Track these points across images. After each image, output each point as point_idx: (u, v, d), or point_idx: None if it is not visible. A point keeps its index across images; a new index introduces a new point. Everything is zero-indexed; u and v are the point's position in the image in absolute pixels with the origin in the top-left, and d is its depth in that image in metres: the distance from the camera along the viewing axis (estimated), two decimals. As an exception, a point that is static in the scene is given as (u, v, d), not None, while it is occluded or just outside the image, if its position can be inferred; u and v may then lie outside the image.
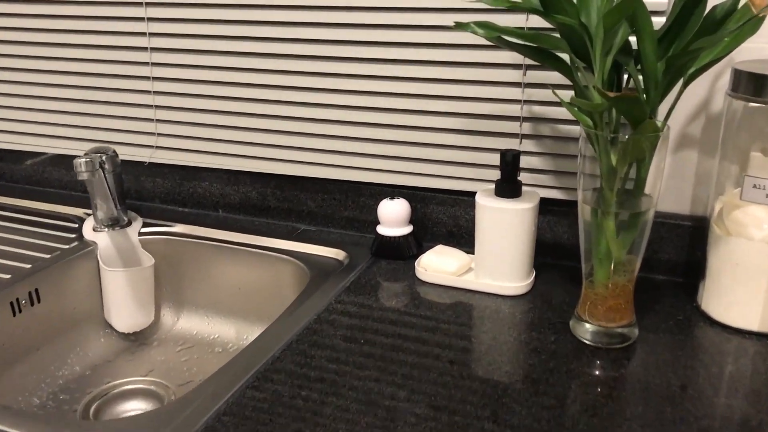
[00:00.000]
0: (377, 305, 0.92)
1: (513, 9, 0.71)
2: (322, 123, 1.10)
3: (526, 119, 0.98)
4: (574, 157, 0.98)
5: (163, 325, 1.19)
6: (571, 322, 0.86)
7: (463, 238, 1.08)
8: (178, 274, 1.18)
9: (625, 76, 0.80)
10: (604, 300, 0.82)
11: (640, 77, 0.75)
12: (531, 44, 0.74)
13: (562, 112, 0.96)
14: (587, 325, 0.84)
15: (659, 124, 0.75)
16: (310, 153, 1.13)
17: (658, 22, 0.80)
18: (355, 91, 1.06)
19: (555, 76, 0.94)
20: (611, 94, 0.68)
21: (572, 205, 1.01)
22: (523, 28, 0.92)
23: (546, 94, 0.96)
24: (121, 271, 1.11)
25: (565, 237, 1.02)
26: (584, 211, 0.82)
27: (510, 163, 0.91)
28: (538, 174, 1.00)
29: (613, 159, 0.77)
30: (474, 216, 1.03)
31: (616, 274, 0.81)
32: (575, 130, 0.96)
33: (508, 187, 0.92)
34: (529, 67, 0.96)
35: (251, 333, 1.14)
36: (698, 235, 0.95)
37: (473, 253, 0.99)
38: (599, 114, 0.74)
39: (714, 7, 0.75)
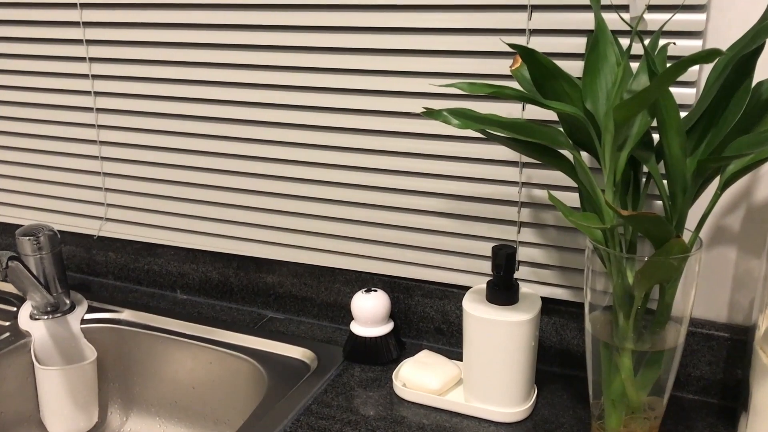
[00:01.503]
0: (344, 431, 0.76)
1: (496, 96, 0.55)
2: (291, 199, 0.94)
3: (525, 204, 0.82)
4: (583, 251, 0.81)
5: (109, 427, 1.03)
6: (578, 473, 0.69)
7: (454, 337, 0.92)
8: (126, 368, 1.02)
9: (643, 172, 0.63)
10: (619, 453, 0.65)
11: (664, 180, 0.58)
12: (521, 138, 0.57)
13: (567, 198, 0.79)
14: (598, 480, 0.66)
15: (688, 240, 0.58)
16: (277, 232, 0.97)
17: (685, 94, 0.63)
18: (330, 164, 0.90)
19: (560, 155, 0.77)
20: (625, 213, 0.51)
21: (581, 306, 0.83)
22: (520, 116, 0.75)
23: (548, 176, 0.79)
24: (57, 370, 0.95)
25: (574, 343, 0.85)
26: (591, 337, 0.65)
27: (504, 264, 0.74)
28: (540, 269, 0.83)
29: (630, 277, 0.60)
30: None
31: (634, 421, 0.63)
32: (585, 218, 0.79)
33: (502, 292, 0.76)
34: (528, 142, 0.79)
35: (208, 441, 0.98)
36: (737, 348, 0.77)
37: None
38: (612, 231, 0.57)
39: (760, 84, 0.58)
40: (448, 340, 0.92)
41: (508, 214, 0.82)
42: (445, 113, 0.58)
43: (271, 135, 0.92)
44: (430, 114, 0.59)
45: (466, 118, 0.58)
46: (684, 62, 0.48)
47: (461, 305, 0.88)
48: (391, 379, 0.85)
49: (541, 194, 0.80)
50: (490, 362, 0.76)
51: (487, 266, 0.86)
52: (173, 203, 1.02)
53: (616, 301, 0.60)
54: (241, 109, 0.92)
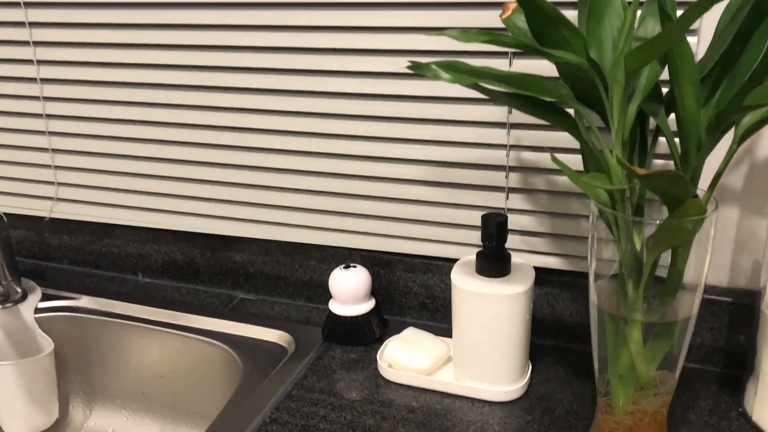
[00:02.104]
0: (328, 418, 0.70)
1: (493, 43, 0.48)
2: (260, 171, 0.87)
3: (513, 169, 0.76)
4: (576, 217, 0.76)
5: (71, 423, 0.96)
6: (582, 453, 0.65)
7: (439, 312, 0.86)
8: (86, 359, 0.95)
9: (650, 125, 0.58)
10: (627, 431, 0.60)
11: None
12: (521, 92, 0.51)
13: (565, 160, 0.74)
14: (605, 461, 0.62)
15: (704, 200, 0.53)
16: (245, 207, 0.90)
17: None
18: (300, 132, 0.83)
19: (550, 114, 0.72)
20: (642, 172, 0.46)
21: (575, 275, 0.79)
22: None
23: (538, 137, 0.74)
24: (10, 364, 0.87)
25: (568, 314, 0.80)
26: (596, 309, 0.60)
27: (495, 233, 0.69)
28: (530, 237, 0.78)
29: (638, 243, 0.55)
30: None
31: (644, 398, 0.59)
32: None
33: (494, 263, 0.70)
34: (516, 101, 0.73)
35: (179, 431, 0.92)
36: (740, 313, 0.73)
37: (452, 334, 0.77)
38: (620, 191, 0.52)
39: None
40: (433, 316, 0.87)
41: (495, 179, 0.77)
42: (434, 67, 0.52)
43: (236, 101, 0.84)
44: (417, 68, 0.52)
45: (458, 71, 0.52)
46: (707, 1, 0.43)
47: (447, 279, 0.83)
48: (375, 359, 0.80)
49: (530, 157, 0.75)
50: (483, 338, 0.71)
51: (474, 236, 0.80)
52: (131, 179, 0.94)
53: (624, 269, 0.55)
54: (204, 74, 0.85)
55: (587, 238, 0.76)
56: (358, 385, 0.76)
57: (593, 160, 0.56)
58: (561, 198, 0.75)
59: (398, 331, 0.82)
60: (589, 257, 0.59)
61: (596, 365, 0.62)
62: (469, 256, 0.75)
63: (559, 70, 0.55)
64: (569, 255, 0.77)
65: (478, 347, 0.72)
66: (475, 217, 0.79)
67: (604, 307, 0.58)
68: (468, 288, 0.70)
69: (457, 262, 0.74)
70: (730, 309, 0.74)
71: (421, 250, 0.83)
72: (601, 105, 0.53)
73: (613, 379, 0.60)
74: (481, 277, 0.71)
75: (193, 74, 0.85)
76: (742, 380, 0.72)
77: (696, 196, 0.49)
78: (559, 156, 0.73)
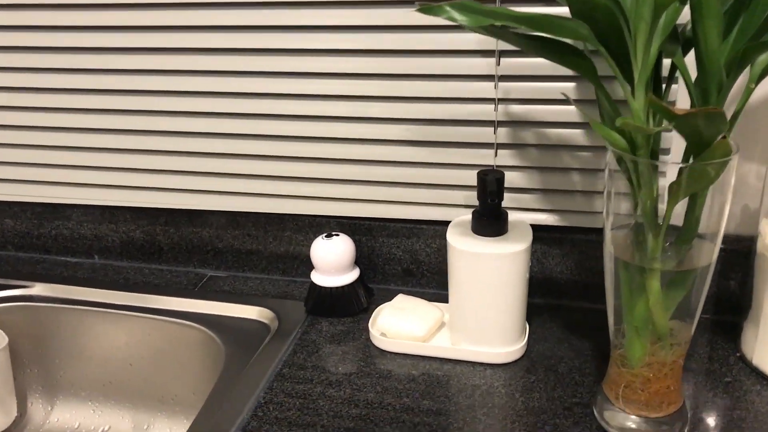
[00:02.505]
0: (326, 394, 0.67)
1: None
2: (225, 138, 0.81)
3: (501, 123, 0.73)
4: (566, 170, 0.74)
5: (32, 421, 0.89)
6: (597, 409, 0.63)
7: (425, 277, 0.83)
8: (45, 351, 0.88)
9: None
10: (645, 383, 0.59)
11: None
12: (538, 33, 0.48)
13: (549, 113, 0.71)
14: (621, 416, 0.61)
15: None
16: (210, 178, 0.84)
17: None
18: (271, 94, 0.78)
19: (538, 64, 0.69)
20: (681, 111, 0.43)
21: (565, 230, 0.77)
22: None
23: (527, 89, 0.71)
24: (-41, 362, 0.80)
25: (558, 271, 0.79)
26: (613, 260, 0.58)
27: (495, 191, 0.66)
28: (520, 194, 0.76)
29: (654, 191, 0.53)
30: (438, 247, 0.79)
31: (661, 349, 0.58)
32: (567, 135, 0.72)
33: (491, 222, 0.68)
34: (503, 53, 0.70)
35: (153, 422, 0.86)
36: (731, 259, 0.73)
37: (442, 298, 0.75)
38: (647, 136, 0.50)
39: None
40: (418, 281, 0.84)
41: (483, 136, 0.74)
42: (447, 8, 0.48)
43: (194, 63, 0.78)
44: (428, 10, 0.48)
45: (473, 12, 0.48)
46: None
47: (433, 242, 0.80)
48: (364, 330, 0.76)
49: (520, 111, 0.72)
50: (482, 300, 0.68)
51: (461, 196, 0.77)
52: (79, 154, 0.87)
53: (644, 218, 0.53)
54: (158, 35, 0.78)
55: (578, 192, 0.75)
56: (351, 357, 0.73)
57: (609, 107, 0.53)
58: (551, 151, 0.73)
59: (384, 300, 0.79)
60: (605, 210, 0.57)
61: (611, 319, 0.60)
62: (463, 216, 0.72)
63: (572, 11, 0.52)
64: (560, 210, 0.76)
65: (477, 309, 0.69)
66: (463, 177, 0.76)
67: (621, 257, 0.57)
68: (466, 249, 0.67)
69: (451, 223, 0.71)
70: (722, 255, 0.73)
71: (404, 213, 0.80)
72: (619, 45, 0.50)
73: (629, 332, 0.58)
74: (478, 236, 0.68)
75: (144, 35, 0.78)
76: (736, 326, 0.72)
77: (725, 136, 0.48)
78: (551, 108, 0.71)
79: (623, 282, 0.58)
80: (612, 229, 0.58)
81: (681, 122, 0.45)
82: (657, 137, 0.54)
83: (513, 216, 0.70)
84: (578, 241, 0.77)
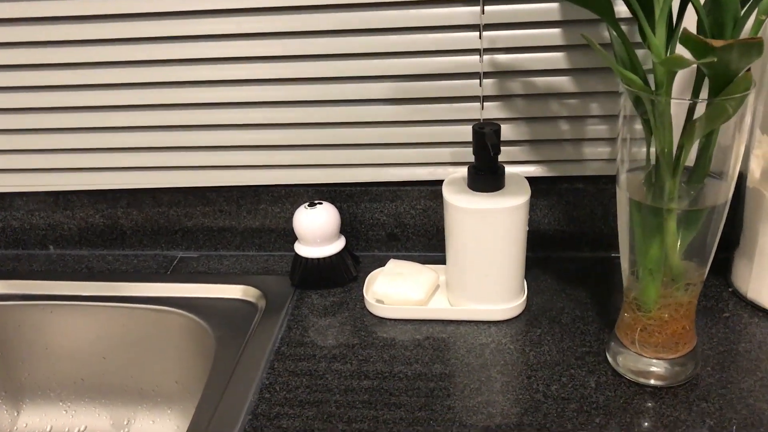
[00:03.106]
0: (333, 368, 0.64)
1: None
2: (188, 108, 0.76)
3: (487, 75, 0.71)
4: (554, 119, 0.72)
5: (-3, 429, 0.82)
6: (611, 354, 0.63)
7: (410, 240, 0.81)
8: (5, 352, 0.81)
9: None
10: (662, 325, 0.59)
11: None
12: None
13: (537, 60, 0.70)
14: (637, 360, 0.60)
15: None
16: (172, 153, 0.79)
17: None
18: (236, 57, 0.73)
19: (523, 11, 0.67)
20: (719, 43, 0.42)
21: (550, 181, 0.76)
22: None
23: (513, 38, 0.69)
24: None
25: (545, 222, 0.78)
26: (627, 202, 0.57)
27: (496, 143, 0.63)
28: (508, 146, 0.74)
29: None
30: (423, 208, 0.77)
31: (677, 290, 0.57)
32: (555, 83, 0.70)
33: (489, 177, 0.66)
34: (487, 0, 0.68)
35: (133, 416, 0.81)
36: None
37: (429, 261, 0.73)
38: (670, 75, 0.49)
39: None
40: (404, 245, 0.81)
41: (468, 89, 0.72)
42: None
43: (153, 28, 0.72)
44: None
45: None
46: None
47: (418, 204, 0.78)
48: (358, 299, 0.74)
49: (506, 60, 0.70)
50: (483, 257, 0.67)
51: (448, 154, 0.75)
52: (24, 137, 0.79)
53: (663, 159, 0.52)
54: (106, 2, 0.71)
55: (566, 140, 0.74)
56: (350, 328, 0.70)
57: (623, 49, 0.52)
58: (539, 101, 0.72)
59: (370, 267, 0.77)
60: (619, 155, 0.56)
61: (624, 263, 0.60)
62: (456, 174, 0.70)
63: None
64: (548, 161, 0.74)
65: (478, 267, 0.67)
66: (448, 133, 0.74)
67: (635, 198, 0.56)
68: (466, 206, 0.65)
69: (445, 181, 0.69)
70: (707, 194, 0.74)
71: (387, 176, 0.77)
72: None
73: (643, 275, 0.58)
74: (476, 193, 0.66)
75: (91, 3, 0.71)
76: (725, 261, 0.73)
77: (749, 68, 0.47)
78: (538, 56, 0.69)
79: (636, 225, 0.57)
80: (628, 171, 0.57)
81: (720, 53, 0.44)
82: (672, 76, 0.53)
83: (511, 172, 0.68)
84: (564, 191, 0.76)
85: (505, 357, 0.65)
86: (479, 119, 0.73)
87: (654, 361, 0.60)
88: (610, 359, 0.63)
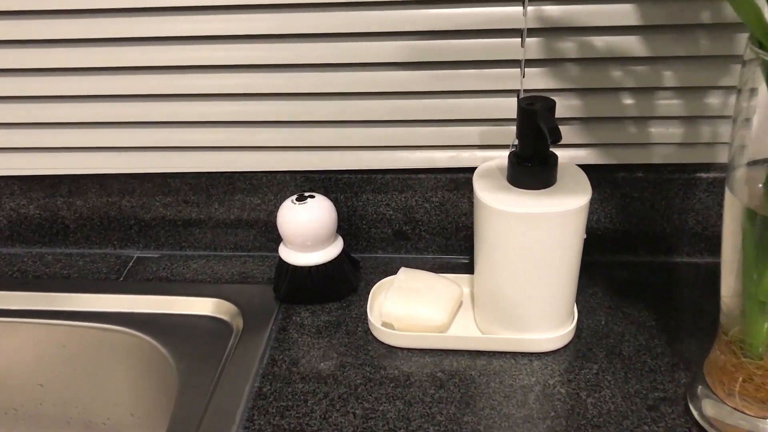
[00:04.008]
0: (330, 419, 0.48)
1: None
2: (144, 72, 0.59)
3: (532, 32, 0.54)
4: (614, 92, 0.56)
5: None
6: (696, 406, 0.48)
7: (423, 240, 0.65)
8: None
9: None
10: (776, 377, 0.44)
11: None
12: None
13: (595, 14, 0.53)
14: (736, 418, 0.46)
15: None
16: (127, 130, 0.62)
17: None
18: (205, 6, 0.55)
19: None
20: None
21: (603, 169, 0.60)
22: None
23: (567, -17, 0.52)
24: None
25: (594, 219, 0.63)
26: (739, 210, 0.42)
27: (553, 127, 0.47)
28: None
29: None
30: (440, 201, 0.62)
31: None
32: (616, 44, 0.54)
33: (537, 170, 0.50)
34: (533, -67, 0.51)
35: (82, 455, 0.66)
36: None
37: (445, 265, 0.59)
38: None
39: None
40: (414, 246, 0.66)
41: (506, 50, 0.55)
42: None
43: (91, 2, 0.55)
44: None
45: None
46: None
47: (433, 196, 0.62)
48: (360, 319, 0.58)
49: (556, 13, 0.53)
50: (526, 274, 0.51)
51: (475, 134, 0.59)
52: (-64, 109, 0.62)
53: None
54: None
55: (630, 119, 0.57)
56: (352, 360, 0.54)
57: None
58: (596, 67, 0.55)
59: (373, 275, 0.62)
60: (732, 138, 0.40)
61: (726, 288, 0.45)
62: (489, 162, 0.54)
63: None
64: (604, 144, 0.58)
65: (518, 286, 0.52)
66: (478, 108, 0.57)
67: (752, 206, 0.40)
68: (506, 208, 0.49)
69: (477, 172, 0.53)
70: None
71: (397, 161, 0.61)
72: None
73: (751, 308, 0.43)
74: (519, 190, 0.50)
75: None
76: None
77: None
78: (598, 8, 0.53)
79: (749, 242, 0.42)
80: (730, 171, 0.41)
81: None
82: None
83: (563, 160, 0.52)
84: (621, 181, 0.61)
85: (555, 406, 0.49)
86: (519, 90, 0.56)
87: (760, 422, 0.45)
88: (695, 412, 0.48)
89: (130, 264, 0.67)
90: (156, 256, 0.68)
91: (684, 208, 0.61)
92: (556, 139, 0.45)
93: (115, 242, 0.69)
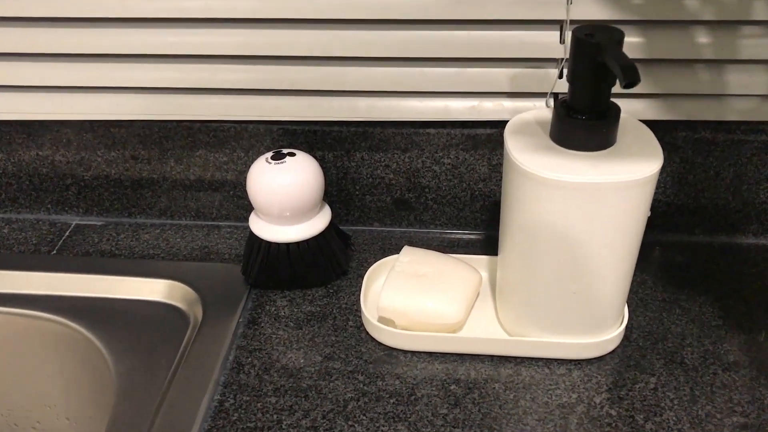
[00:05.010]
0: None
1: None
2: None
3: (584, -57, 0.41)
4: (686, 25, 0.43)
5: None
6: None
7: (429, 211, 0.53)
8: None
9: None
10: None
11: None
12: None
13: None
14: None
15: None
16: (61, 65, 0.49)
17: None
18: None
19: None
20: None
21: (667, 126, 0.48)
22: None
23: None
24: None
25: (660, 191, 0.50)
26: None
27: (627, 66, 0.33)
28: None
29: None
30: (453, 163, 0.50)
31: None
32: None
33: (594, 126, 0.37)
34: None
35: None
36: None
37: (455, 244, 0.46)
38: None
39: None
40: (419, 217, 0.53)
41: (548, -34, 0.42)
42: None
43: None
44: None
45: None
46: None
47: (444, 156, 0.50)
48: (348, 310, 0.46)
49: None
50: (571, 261, 0.39)
51: (505, 78, 0.46)
52: None
53: None
54: None
55: (705, 62, 0.45)
56: (340, 365, 0.42)
57: None
58: (666, -6, 0.42)
59: (368, 254, 0.50)
60: None
61: None
62: (525, 113, 0.41)
63: None
64: (668, 94, 0.46)
65: (560, 277, 0.40)
66: (507, 43, 0.45)
67: None
68: (550, 176, 0.36)
69: (510, 127, 0.40)
70: None
71: (400, 111, 0.48)
72: None
73: None
74: (568, 150, 0.38)
75: None
76: None
77: None
78: None
79: None
80: None
81: None
82: None
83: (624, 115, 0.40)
84: (681, 143, 0.49)
85: (604, 433, 0.38)
86: (563, 21, 0.43)
87: None
88: (790, 448, 0.37)
89: (67, 233, 0.55)
90: (99, 224, 0.56)
91: (757, 177, 0.49)
92: (633, 80, 0.32)
93: (49, 206, 0.56)
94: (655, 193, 0.50)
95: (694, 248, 0.51)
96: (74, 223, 0.56)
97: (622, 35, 0.35)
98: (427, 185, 0.52)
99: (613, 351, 0.43)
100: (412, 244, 0.51)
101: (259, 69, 0.47)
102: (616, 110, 0.38)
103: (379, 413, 0.39)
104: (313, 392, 0.41)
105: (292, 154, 0.46)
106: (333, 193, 0.52)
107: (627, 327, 0.44)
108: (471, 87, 0.46)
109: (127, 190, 0.54)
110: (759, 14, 0.42)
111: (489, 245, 0.51)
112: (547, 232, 0.38)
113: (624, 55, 0.34)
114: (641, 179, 0.36)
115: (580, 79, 0.36)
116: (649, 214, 0.39)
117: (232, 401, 0.40)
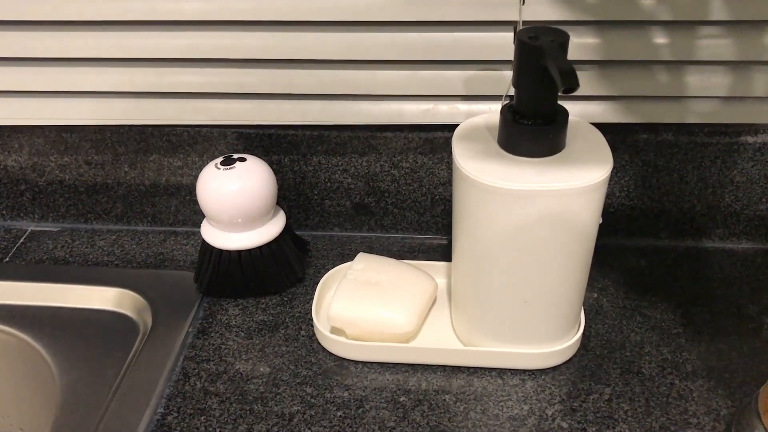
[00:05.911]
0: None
1: None
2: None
3: (535, -58, 0.40)
4: (641, 26, 0.42)
5: None
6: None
7: (389, 215, 0.52)
8: None
9: None
10: None
11: None
12: None
13: None
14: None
15: None
16: (15, 69, 0.47)
17: None
18: None
19: None
20: None
21: (627, 129, 0.47)
22: None
23: None
24: None
25: (607, 193, 0.49)
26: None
27: (567, 71, 0.33)
28: (560, 70, 0.44)
29: None
30: (411, 167, 0.49)
31: None
32: (652, -42, 0.40)
33: (541, 130, 0.36)
34: None
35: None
36: None
37: (415, 250, 0.45)
38: None
39: None
40: (380, 222, 0.52)
41: (499, -34, 0.41)
42: None
43: None
44: None
45: None
46: None
47: (402, 160, 0.49)
48: (301, 318, 0.45)
49: None
50: (522, 270, 0.38)
51: (460, 81, 0.45)
52: None
53: None
54: None
55: (662, 63, 0.44)
56: (289, 377, 0.41)
57: None
58: (620, -7, 0.41)
59: (326, 261, 0.48)
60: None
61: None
62: (475, 118, 0.40)
63: None
64: (626, 96, 0.45)
65: (512, 285, 0.39)
66: (462, 44, 0.43)
67: None
68: (497, 183, 0.35)
69: (458, 133, 0.39)
70: None
71: (356, 115, 0.47)
72: None
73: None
74: (515, 157, 0.36)
75: None
76: None
77: None
78: None
79: None
80: None
81: None
82: None
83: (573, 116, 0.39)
84: (643, 145, 0.47)
85: (561, 447, 0.37)
86: (516, 21, 0.42)
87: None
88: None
89: (22, 240, 0.54)
90: (55, 230, 0.55)
91: (721, 180, 0.48)
92: (571, 86, 0.31)
93: (4, 212, 0.55)
94: (619, 197, 0.50)
95: (659, 252, 0.50)
96: (30, 229, 0.55)
97: (566, 38, 0.34)
98: (387, 189, 0.50)
99: (570, 360, 0.42)
100: (372, 249, 0.50)
101: (207, 72, 0.46)
102: (564, 115, 0.36)
103: (325, 426, 0.38)
104: (259, 405, 0.40)
105: (243, 159, 0.44)
106: (291, 198, 0.51)
107: (585, 335, 0.43)
108: (425, 90, 0.45)
109: (83, 196, 0.53)
110: (716, 14, 0.41)
111: (450, 250, 0.50)
112: (495, 239, 0.37)
113: (565, 59, 0.33)
114: (589, 186, 0.35)
115: (524, 84, 0.35)
116: (600, 221, 0.38)
117: (175, 414, 0.39)
